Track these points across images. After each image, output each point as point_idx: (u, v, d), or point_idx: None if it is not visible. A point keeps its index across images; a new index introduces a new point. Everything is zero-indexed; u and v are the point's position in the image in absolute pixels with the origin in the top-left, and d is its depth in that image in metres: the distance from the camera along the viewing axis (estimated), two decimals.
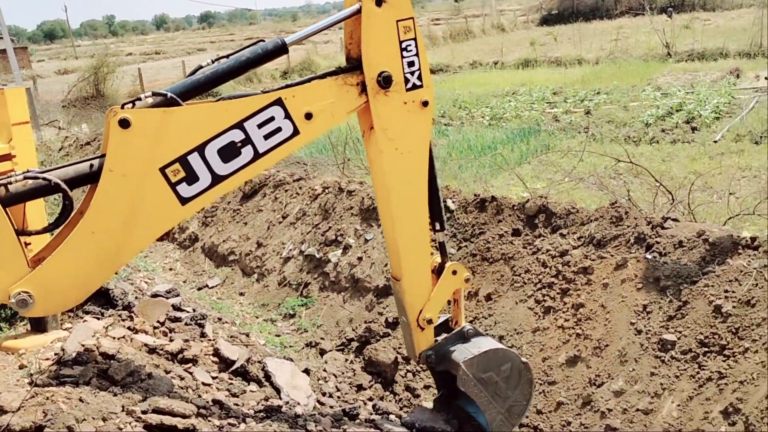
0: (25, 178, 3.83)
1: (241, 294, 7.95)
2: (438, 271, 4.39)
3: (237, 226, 8.98)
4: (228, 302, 7.64)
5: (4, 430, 3.45)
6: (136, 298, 5.57)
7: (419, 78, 3.89)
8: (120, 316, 5.05)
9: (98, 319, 5.05)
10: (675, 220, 5.24)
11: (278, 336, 6.63)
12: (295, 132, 3.84)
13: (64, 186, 3.76)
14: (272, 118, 3.79)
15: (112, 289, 5.50)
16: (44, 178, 3.79)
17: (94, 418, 3.49)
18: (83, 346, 4.28)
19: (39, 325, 4.94)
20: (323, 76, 3.83)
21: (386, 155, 4.01)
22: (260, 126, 3.78)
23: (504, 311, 5.47)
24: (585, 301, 5.02)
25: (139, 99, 3.78)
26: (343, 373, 5.49)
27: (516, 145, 10.92)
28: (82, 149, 14.64)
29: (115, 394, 3.73)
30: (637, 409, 4.32)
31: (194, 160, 3.71)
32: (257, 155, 3.79)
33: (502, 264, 5.78)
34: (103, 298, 5.45)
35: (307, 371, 5.29)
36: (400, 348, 5.74)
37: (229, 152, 3.74)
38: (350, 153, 9.29)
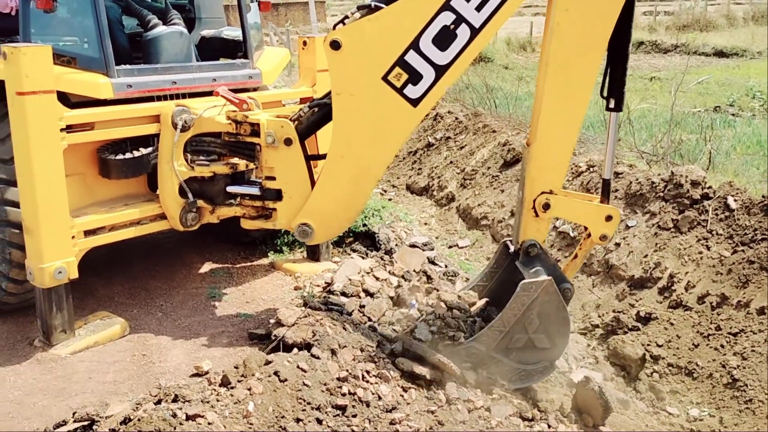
0: (310, 108, 4.20)
1: (488, 259, 8.06)
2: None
3: (493, 193, 9.06)
4: (475, 264, 7.80)
5: (280, 340, 3.93)
6: (396, 245, 5.93)
7: None
8: (382, 259, 5.42)
9: (363, 258, 5.48)
10: None
11: None
12: None
13: None
14: None
15: (378, 233, 5.92)
16: (325, 103, 4.12)
17: (353, 347, 3.82)
18: (350, 280, 4.68)
19: (313, 254, 5.50)
20: None
21: None
22: None
23: None
24: None
25: (347, 17, 3.75)
26: (584, 358, 5.36)
27: None
28: None
29: (373, 329, 4.04)
30: None
31: (412, 58, 3.57)
32: (475, 31, 3.50)
33: None
34: (368, 240, 5.89)
35: None
36: (649, 345, 5.43)
37: (444, 38, 3.52)
38: (623, 133, 8.83)
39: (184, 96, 4.80)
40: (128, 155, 4.50)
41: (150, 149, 4.60)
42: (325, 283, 4.81)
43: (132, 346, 4.35)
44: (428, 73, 3.61)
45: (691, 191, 6.28)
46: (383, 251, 5.71)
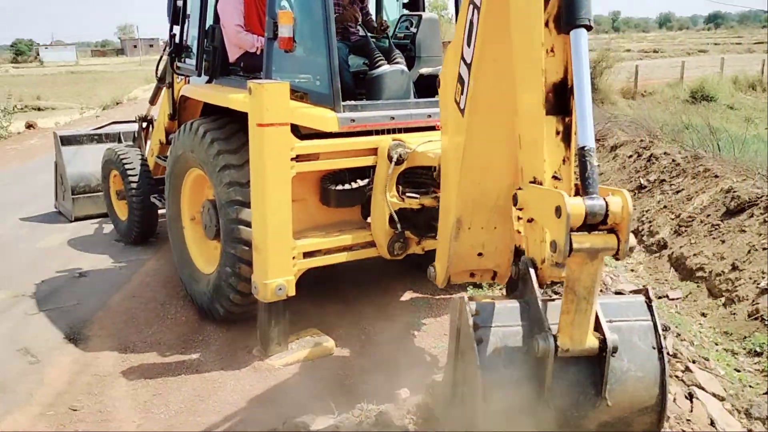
0: None
1: (703, 314, 7.41)
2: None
3: (713, 243, 8.35)
4: (687, 319, 7.22)
5: None
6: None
7: None
8: None
9: None
10: None
11: (738, 371, 6.02)
12: None
13: None
14: None
15: None
16: None
17: None
18: None
19: (512, 292, 5.42)
20: None
21: None
22: None
23: None
24: None
25: None
26: None
27: None
28: None
29: None
30: None
31: None
32: None
33: None
34: None
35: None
36: None
37: None
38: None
39: (400, 131, 5.01)
40: (347, 186, 4.79)
41: (366, 181, 4.86)
42: None
43: (337, 365, 4.59)
44: None
45: None
46: None
